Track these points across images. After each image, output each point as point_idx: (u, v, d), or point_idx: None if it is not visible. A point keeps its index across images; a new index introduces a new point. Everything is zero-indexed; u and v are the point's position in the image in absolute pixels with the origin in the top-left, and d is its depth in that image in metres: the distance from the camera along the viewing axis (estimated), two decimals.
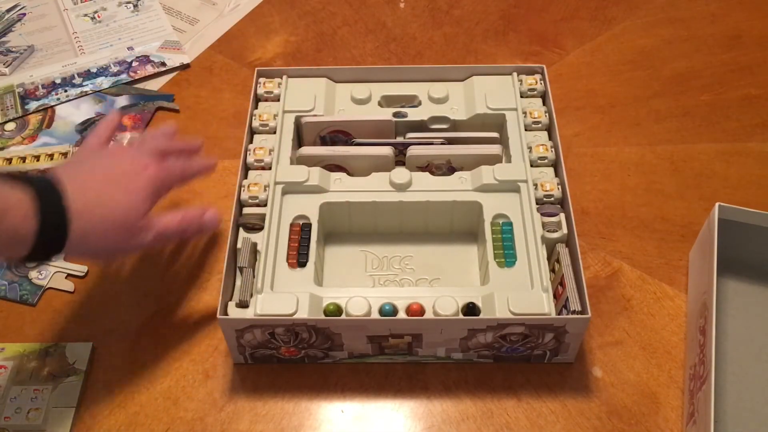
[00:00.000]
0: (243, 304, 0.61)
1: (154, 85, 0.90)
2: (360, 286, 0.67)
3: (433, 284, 0.68)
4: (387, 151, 0.71)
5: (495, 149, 0.71)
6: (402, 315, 0.61)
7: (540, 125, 0.74)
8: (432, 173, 0.71)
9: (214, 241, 0.74)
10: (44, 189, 0.54)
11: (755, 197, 0.76)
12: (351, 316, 0.60)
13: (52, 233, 0.54)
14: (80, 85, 0.90)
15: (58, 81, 0.90)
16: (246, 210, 0.68)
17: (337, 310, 0.61)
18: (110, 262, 0.69)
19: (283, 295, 0.61)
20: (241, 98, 0.87)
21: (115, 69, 0.92)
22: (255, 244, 0.65)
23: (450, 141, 0.73)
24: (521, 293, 0.61)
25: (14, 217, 0.52)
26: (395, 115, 0.75)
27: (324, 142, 0.76)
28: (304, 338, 0.61)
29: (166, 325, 0.68)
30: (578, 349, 0.64)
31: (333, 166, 0.72)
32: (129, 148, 0.62)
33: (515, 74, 0.78)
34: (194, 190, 0.78)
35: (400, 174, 0.69)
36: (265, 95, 0.76)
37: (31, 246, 0.53)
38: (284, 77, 0.78)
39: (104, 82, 0.90)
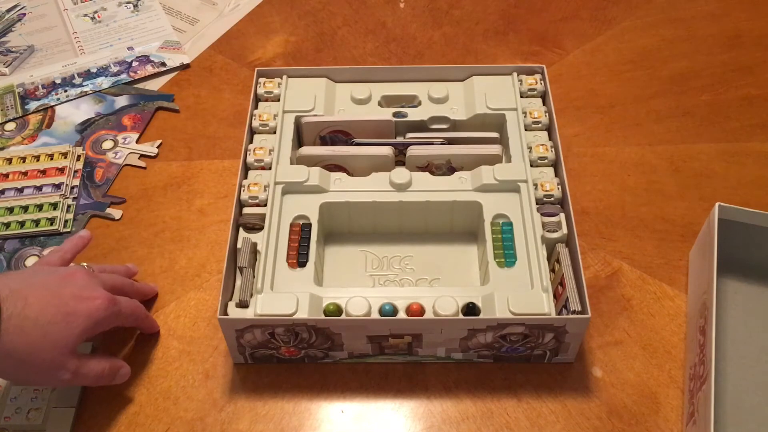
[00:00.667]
0: (243, 304, 0.61)
1: (154, 85, 0.90)
2: (360, 286, 0.67)
3: (433, 284, 0.68)
4: (387, 151, 0.71)
5: (495, 149, 0.71)
6: (402, 315, 0.61)
7: (540, 125, 0.74)
8: (432, 173, 0.71)
9: (214, 241, 0.74)
10: None
11: (755, 197, 0.76)
12: (351, 316, 0.60)
13: None
14: (80, 85, 0.90)
15: (58, 81, 0.90)
16: (246, 210, 0.68)
17: (337, 310, 0.61)
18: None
19: (283, 295, 0.61)
20: (241, 98, 0.87)
21: (115, 69, 0.92)
22: (255, 244, 0.65)
23: (450, 141, 0.73)
24: (521, 293, 0.61)
25: None
26: (395, 115, 0.75)
27: (324, 142, 0.76)
28: (304, 338, 0.61)
29: (166, 325, 0.68)
30: (578, 349, 0.64)
31: (333, 166, 0.72)
32: (85, 273, 0.59)
33: (515, 74, 0.78)
34: (194, 190, 0.78)
35: (400, 174, 0.69)
36: (265, 95, 0.76)
37: None
38: (284, 77, 0.78)
39: (104, 82, 0.90)
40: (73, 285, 0.58)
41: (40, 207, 0.76)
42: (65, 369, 0.56)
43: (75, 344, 0.57)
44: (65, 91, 0.89)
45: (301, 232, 0.66)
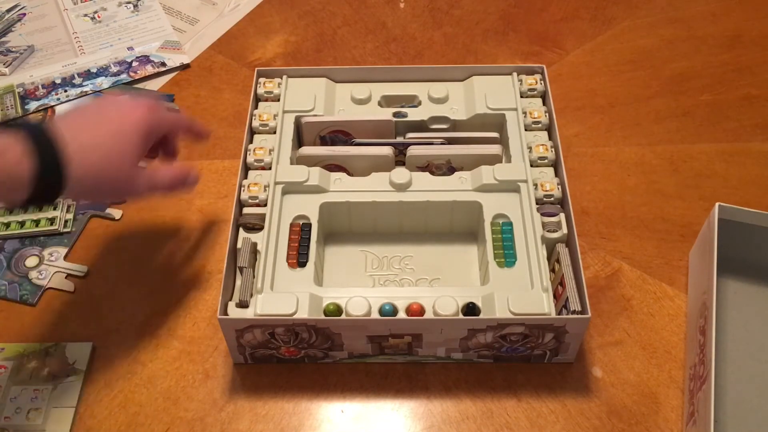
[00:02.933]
0: (243, 304, 0.61)
1: (154, 85, 0.90)
2: (360, 286, 0.67)
3: (433, 284, 0.68)
4: (387, 151, 0.71)
5: (495, 149, 0.71)
6: (402, 315, 0.61)
7: (540, 125, 0.74)
8: (432, 173, 0.71)
9: (214, 241, 0.74)
10: (35, 131, 0.55)
11: (755, 197, 0.76)
12: (351, 316, 0.60)
13: (48, 174, 0.54)
14: (80, 85, 0.90)
15: (58, 81, 0.90)
16: (246, 210, 0.68)
17: (337, 310, 0.61)
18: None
19: (283, 295, 0.61)
20: (241, 98, 0.87)
21: (115, 69, 0.92)
22: (255, 244, 0.65)
23: (450, 141, 0.73)
24: (521, 293, 0.61)
25: (8, 160, 0.52)
26: (395, 115, 0.75)
27: (324, 142, 0.76)
28: (304, 338, 0.61)
29: (166, 325, 0.68)
30: (578, 349, 0.64)
31: (333, 166, 0.72)
32: (120, 95, 0.63)
33: (515, 74, 0.78)
34: (194, 190, 0.78)
35: (400, 174, 0.69)
36: (265, 95, 0.76)
37: (30, 188, 0.54)
38: (284, 77, 0.78)
39: (104, 82, 0.90)
40: (113, 105, 0.62)
41: (40, 207, 0.76)
42: (138, 181, 0.61)
43: (137, 159, 0.60)
44: (65, 91, 0.89)
45: (301, 232, 0.66)
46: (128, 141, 0.59)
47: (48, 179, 0.54)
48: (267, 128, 0.74)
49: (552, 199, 0.67)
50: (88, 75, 0.91)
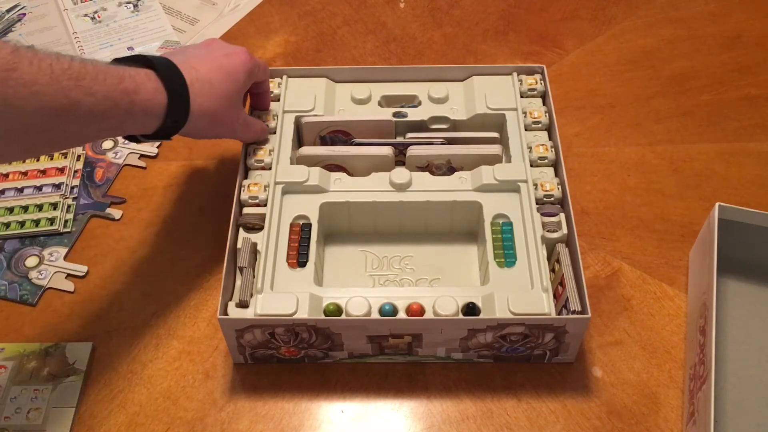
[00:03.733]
0: (243, 304, 0.61)
1: None
2: (360, 286, 0.67)
3: (433, 284, 0.68)
4: (387, 151, 0.71)
5: (495, 149, 0.71)
6: (402, 315, 0.61)
7: (540, 125, 0.74)
8: (432, 173, 0.71)
9: (214, 241, 0.74)
10: (165, 67, 0.59)
11: (755, 197, 0.76)
12: (351, 316, 0.60)
13: (178, 105, 0.59)
14: None
15: None
16: (246, 210, 0.68)
17: (337, 310, 0.61)
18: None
19: (283, 295, 0.61)
20: None
21: None
22: (255, 244, 0.65)
23: (450, 141, 0.73)
24: (521, 293, 0.61)
25: (146, 92, 0.57)
26: (395, 115, 0.75)
27: (324, 142, 0.76)
28: (304, 338, 0.61)
29: (166, 325, 0.68)
30: (578, 349, 0.64)
31: (333, 166, 0.72)
32: (219, 41, 0.68)
33: (515, 74, 0.78)
34: (194, 190, 0.78)
35: (400, 174, 0.69)
36: None
37: (159, 122, 0.59)
38: (284, 77, 0.78)
39: None
40: (217, 47, 0.66)
41: (40, 207, 0.76)
42: (239, 120, 0.67)
43: (242, 97, 0.67)
44: None
45: (301, 232, 0.66)
46: (236, 79, 0.64)
47: (176, 113, 0.59)
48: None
49: (552, 199, 0.67)
50: None
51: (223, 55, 0.64)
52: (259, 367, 0.65)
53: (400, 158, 0.73)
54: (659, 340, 0.66)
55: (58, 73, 0.51)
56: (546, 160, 0.70)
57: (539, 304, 0.60)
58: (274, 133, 0.73)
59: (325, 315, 0.61)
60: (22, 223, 0.75)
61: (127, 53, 0.93)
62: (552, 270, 0.64)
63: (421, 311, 0.61)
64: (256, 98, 0.73)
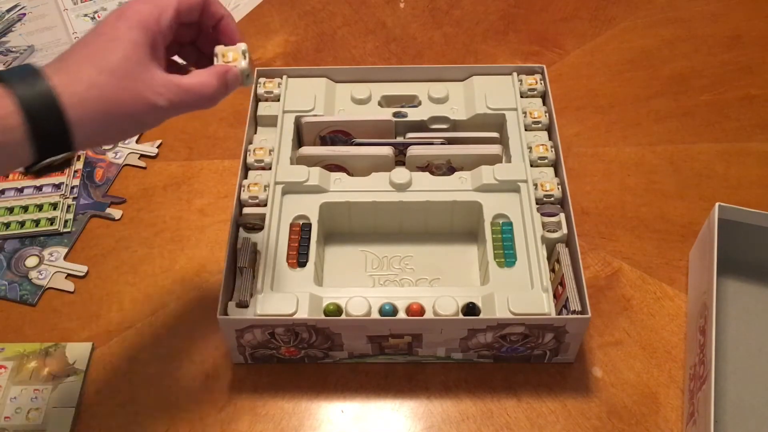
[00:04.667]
0: (243, 304, 0.61)
1: None
2: (360, 286, 0.67)
3: (433, 284, 0.68)
4: (387, 151, 0.71)
5: (495, 149, 0.71)
6: (402, 315, 0.61)
7: (540, 125, 0.74)
8: (432, 173, 0.71)
9: (214, 241, 0.74)
10: (17, 79, 0.45)
11: (755, 197, 0.76)
12: (351, 316, 0.60)
13: (46, 126, 0.44)
14: None
15: None
16: (246, 210, 0.68)
17: (337, 310, 0.61)
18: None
19: (283, 295, 0.61)
20: (241, 98, 0.87)
21: None
22: (255, 244, 0.65)
23: (450, 141, 0.73)
24: (521, 293, 0.61)
25: None
26: (395, 115, 0.75)
27: (324, 142, 0.76)
28: (304, 338, 0.61)
29: (166, 325, 0.68)
30: (578, 349, 0.64)
31: (333, 166, 0.72)
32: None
33: (515, 74, 0.78)
34: (194, 190, 0.78)
35: (400, 174, 0.69)
36: (265, 95, 0.76)
37: (31, 147, 0.44)
38: (284, 77, 0.78)
39: None
40: (111, 13, 0.49)
41: (40, 207, 0.76)
42: (154, 92, 0.47)
43: (145, 66, 0.47)
44: None
45: (301, 232, 0.66)
46: (123, 47, 0.46)
47: (47, 131, 0.45)
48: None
49: (552, 199, 0.67)
50: None
51: (106, 28, 0.48)
52: (259, 367, 0.65)
53: (400, 158, 0.73)
54: (659, 340, 0.66)
55: None
56: (546, 160, 0.70)
57: (539, 304, 0.60)
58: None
59: (325, 315, 0.61)
60: (22, 223, 0.75)
61: None
62: (552, 270, 0.64)
63: (421, 311, 0.61)
64: (215, 33, 0.53)
